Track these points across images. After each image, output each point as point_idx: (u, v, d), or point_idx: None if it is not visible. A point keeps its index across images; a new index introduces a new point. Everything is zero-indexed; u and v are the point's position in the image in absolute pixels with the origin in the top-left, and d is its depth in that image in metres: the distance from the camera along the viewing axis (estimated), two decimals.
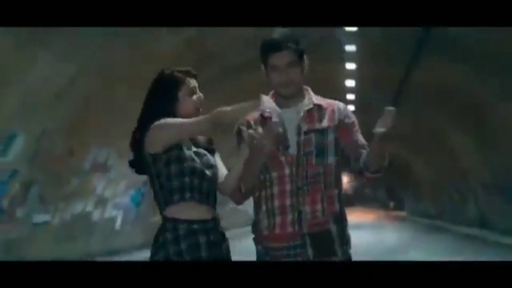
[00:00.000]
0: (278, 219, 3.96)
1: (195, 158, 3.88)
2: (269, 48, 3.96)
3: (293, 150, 3.97)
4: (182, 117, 3.91)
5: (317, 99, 4.10)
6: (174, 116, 3.91)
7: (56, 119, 11.42)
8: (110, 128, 13.28)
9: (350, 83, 20.56)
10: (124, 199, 16.49)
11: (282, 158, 3.97)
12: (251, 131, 3.74)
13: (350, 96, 22.18)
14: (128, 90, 12.65)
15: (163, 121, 3.82)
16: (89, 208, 14.66)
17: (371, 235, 23.09)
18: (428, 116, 21.97)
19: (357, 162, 4.00)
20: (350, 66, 19.01)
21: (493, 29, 12.67)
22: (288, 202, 3.95)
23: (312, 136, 3.99)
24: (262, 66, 4.06)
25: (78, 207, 14.13)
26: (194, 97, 3.99)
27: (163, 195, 3.83)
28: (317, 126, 4.01)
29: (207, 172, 3.89)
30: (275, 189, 3.99)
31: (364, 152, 3.98)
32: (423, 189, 33.40)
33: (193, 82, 4.02)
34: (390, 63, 17.67)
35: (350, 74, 19.69)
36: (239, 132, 3.90)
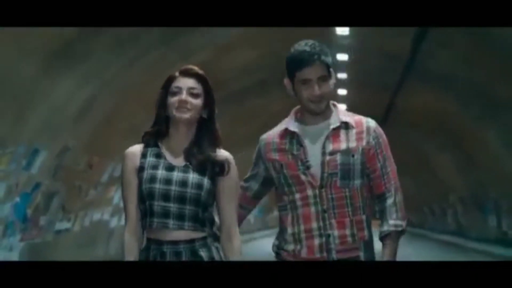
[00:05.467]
0: (304, 243, 3.44)
1: (160, 177, 3.23)
2: (300, 61, 3.40)
3: (317, 170, 3.43)
4: (172, 120, 3.33)
5: (345, 116, 3.53)
6: (166, 120, 3.34)
7: (77, 136, 11.29)
8: (126, 145, 13.14)
9: (341, 107, 20.35)
10: None
11: (303, 178, 3.44)
12: None
13: None
14: (142, 111, 12.55)
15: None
16: (106, 216, 14.53)
17: None
18: (413, 138, 21.92)
19: (379, 208, 3.52)
20: (342, 92, 18.91)
21: (470, 59, 12.54)
22: (314, 225, 3.43)
23: (338, 156, 3.43)
24: (288, 82, 3.51)
25: (96, 216, 13.99)
26: (175, 98, 3.28)
27: None
28: (343, 146, 3.45)
29: (176, 192, 3.20)
30: (300, 211, 3.46)
31: (386, 199, 3.49)
32: (407, 201, 33.24)
33: (182, 82, 3.30)
34: (378, 89, 17.61)
35: (341, 99, 19.52)
36: None
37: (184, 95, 3.28)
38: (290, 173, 3.47)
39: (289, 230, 3.49)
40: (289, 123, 3.57)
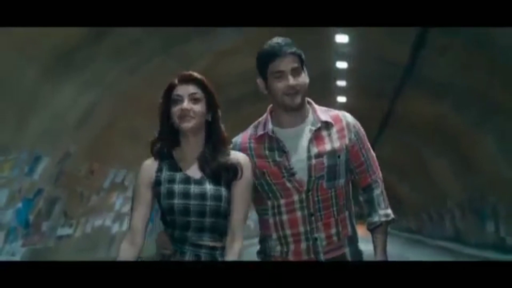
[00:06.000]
0: (291, 247, 3.36)
1: (177, 191, 3.18)
2: (271, 54, 3.31)
3: (303, 175, 3.32)
4: (180, 130, 3.24)
5: (322, 114, 3.43)
6: (174, 130, 3.25)
7: (78, 142, 11.25)
8: (127, 151, 13.19)
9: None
10: None
11: (289, 185, 3.33)
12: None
13: None
14: (143, 118, 12.54)
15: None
16: (108, 222, 14.47)
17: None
18: (411, 143, 21.90)
19: (366, 201, 3.46)
20: (341, 99, 18.92)
21: (468, 65, 12.54)
22: (301, 229, 3.35)
23: (324, 159, 3.33)
24: (260, 80, 3.40)
25: (98, 222, 13.92)
26: (176, 107, 3.21)
27: None
28: (328, 147, 3.35)
29: (194, 206, 3.16)
30: (285, 217, 3.36)
31: (374, 190, 3.43)
32: (406, 208, 33.23)
33: (181, 90, 3.22)
34: (377, 96, 17.60)
35: (340, 106, 19.50)
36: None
37: (186, 103, 3.21)
38: (275, 181, 3.38)
39: (274, 235, 3.42)
40: (267, 126, 3.44)
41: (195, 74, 3.30)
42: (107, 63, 10.14)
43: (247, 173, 3.26)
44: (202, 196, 3.18)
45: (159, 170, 3.26)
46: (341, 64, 15.18)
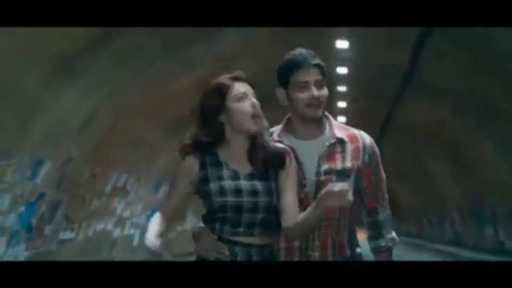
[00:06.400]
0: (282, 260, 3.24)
1: (228, 188, 3.09)
2: (295, 64, 3.21)
3: (310, 189, 3.23)
4: (237, 128, 3.15)
5: (339, 130, 3.32)
6: (225, 127, 3.18)
7: (80, 147, 11.24)
8: (128, 156, 13.19)
9: (340, 119, 20.38)
10: (141, 219, 16.27)
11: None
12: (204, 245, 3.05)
13: None
14: (144, 123, 12.55)
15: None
16: (109, 226, 14.47)
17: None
18: (411, 148, 21.88)
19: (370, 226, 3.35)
20: (341, 104, 18.90)
21: (467, 70, 12.53)
22: (296, 244, 3.24)
23: (333, 177, 3.21)
24: (280, 90, 3.30)
25: (99, 226, 13.93)
26: (245, 103, 3.14)
27: None
28: (339, 166, 3.24)
29: (247, 203, 3.08)
30: None
31: (379, 214, 3.33)
32: (406, 212, 33.21)
33: (242, 87, 3.15)
34: (377, 101, 17.59)
35: (340, 112, 19.48)
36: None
37: (252, 99, 3.16)
38: None
39: None
40: (283, 136, 3.36)
41: (243, 73, 3.26)
42: (109, 68, 10.13)
43: (292, 161, 3.19)
44: (254, 192, 3.11)
45: (203, 166, 3.19)
46: (341, 70, 15.16)
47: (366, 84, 16.41)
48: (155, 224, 3.15)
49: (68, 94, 9.71)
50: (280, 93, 3.33)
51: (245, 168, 3.17)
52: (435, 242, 26.62)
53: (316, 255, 3.25)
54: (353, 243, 3.42)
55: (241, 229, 3.10)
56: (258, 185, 3.12)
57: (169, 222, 3.23)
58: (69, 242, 12.60)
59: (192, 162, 3.21)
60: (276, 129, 3.42)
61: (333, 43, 13.07)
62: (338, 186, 2.88)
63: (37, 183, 10.44)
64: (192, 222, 19.48)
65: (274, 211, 3.14)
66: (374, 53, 13.60)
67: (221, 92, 3.18)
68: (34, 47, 8.00)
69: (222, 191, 3.11)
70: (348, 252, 3.34)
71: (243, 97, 3.15)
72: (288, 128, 3.38)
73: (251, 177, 3.14)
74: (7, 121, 8.77)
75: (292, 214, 3.13)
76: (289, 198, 3.14)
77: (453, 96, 14.42)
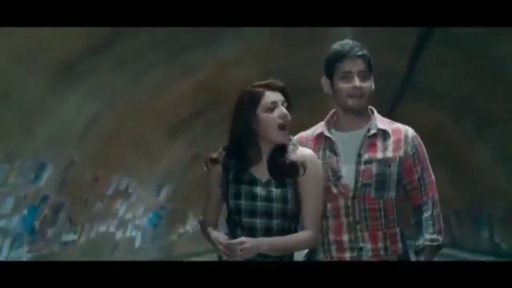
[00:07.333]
0: (335, 256, 3.20)
1: (244, 192, 3.10)
2: (340, 55, 3.23)
3: (350, 179, 3.18)
4: (263, 137, 3.14)
5: (382, 123, 3.33)
6: (255, 135, 3.15)
7: (83, 151, 11.20)
8: (130, 159, 13.17)
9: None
10: (142, 221, 16.23)
11: (335, 190, 3.19)
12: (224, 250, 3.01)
13: None
14: (146, 127, 12.52)
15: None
16: (111, 229, 14.42)
17: None
18: None
19: (416, 221, 3.29)
20: None
21: (465, 76, 12.51)
22: (345, 237, 3.18)
23: (373, 166, 3.18)
24: (325, 79, 3.31)
25: (102, 228, 13.87)
26: (275, 113, 3.14)
27: None
28: (380, 155, 3.20)
29: (261, 207, 3.07)
30: (330, 222, 3.20)
31: (423, 212, 3.25)
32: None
33: (273, 96, 3.14)
34: (375, 106, 17.57)
35: None
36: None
37: (282, 109, 3.16)
38: None
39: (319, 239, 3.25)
40: (325, 128, 3.35)
41: (279, 82, 3.24)
42: (111, 72, 10.10)
43: (314, 169, 3.15)
44: (268, 198, 3.10)
45: (226, 169, 3.21)
46: None
47: None
48: (213, 233, 3.14)
49: (70, 98, 9.68)
50: (324, 82, 3.35)
51: (264, 175, 3.16)
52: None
53: (368, 247, 3.19)
54: (404, 240, 3.34)
55: (258, 235, 3.08)
56: (274, 192, 3.10)
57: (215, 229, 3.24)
58: (72, 244, 12.55)
59: (217, 168, 3.25)
60: (322, 122, 3.41)
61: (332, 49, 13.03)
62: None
63: (40, 186, 10.39)
64: (192, 224, 19.44)
65: (290, 218, 3.12)
66: (372, 58, 13.57)
67: (253, 100, 3.18)
68: (36, 51, 7.98)
69: (237, 195, 3.12)
70: (400, 248, 3.28)
71: (272, 107, 3.14)
72: (331, 120, 3.36)
73: (268, 184, 3.13)
74: (11, 125, 8.75)
75: (309, 222, 3.12)
76: (307, 206, 3.13)
77: (452, 101, 14.40)
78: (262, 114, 3.15)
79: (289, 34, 9.36)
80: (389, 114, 17.38)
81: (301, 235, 3.14)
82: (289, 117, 3.15)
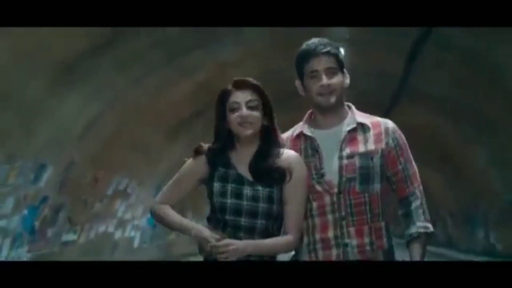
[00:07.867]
0: (320, 254, 3.14)
1: (230, 190, 3.07)
2: (306, 54, 3.18)
3: (334, 175, 3.12)
4: (235, 135, 3.15)
5: (360, 117, 3.28)
6: (231, 133, 3.16)
7: (83, 152, 11.19)
8: (130, 160, 13.15)
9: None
10: (141, 221, 16.22)
11: (319, 188, 3.13)
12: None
13: None
14: (145, 128, 12.50)
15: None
16: (111, 229, 14.40)
17: None
18: None
19: (403, 214, 3.25)
20: None
21: (461, 79, 12.50)
22: (331, 234, 3.12)
23: (356, 159, 3.14)
24: (298, 82, 3.27)
25: (101, 228, 13.85)
26: (234, 114, 3.13)
27: None
28: (362, 148, 3.16)
29: (247, 207, 3.04)
30: (317, 220, 3.14)
31: (411, 203, 3.21)
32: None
33: (238, 97, 3.12)
34: (371, 109, 17.57)
35: None
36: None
37: (244, 110, 3.12)
38: None
39: (305, 240, 3.20)
40: (303, 127, 3.31)
41: (251, 80, 3.21)
42: (111, 73, 10.09)
43: (298, 173, 3.13)
44: (255, 197, 3.08)
45: (213, 167, 3.19)
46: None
47: (361, 92, 16.37)
48: (174, 215, 3.27)
49: (70, 99, 9.68)
50: (298, 85, 3.31)
51: (250, 175, 3.14)
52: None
53: (354, 243, 3.14)
54: (390, 234, 3.30)
55: (241, 233, 3.05)
56: (261, 191, 3.08)
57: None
58: (72, 244, 12.54)
59: (203, 161, 3.22)
60: (300, 122, 3.38)
61: None
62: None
63: (40, 187, 10.39)
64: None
65: (274, 218, 3.10)
66: (369, 61, 13.57)
67: (222, 99, 3.18)
68: (37, 52, 7.96)
69: (223, 193, 3.09)
70: (385, 243, 3.23)
71: (235, 107, 3.13)
72: (309, 120, 3.33)
73: (254, 183, 3.10)
74: (11, 126, 8.74)
75: (292, 224, 3.10)
76: (291, 209, 3.10)
77: (448, 104, 14.40)
78: (228, 114, 3.16)
79: (289, 34, 9.33)
80: (385, 116, 17.32)
81: (283, 239, 3.12)
82: (249, 118, 3.12)
